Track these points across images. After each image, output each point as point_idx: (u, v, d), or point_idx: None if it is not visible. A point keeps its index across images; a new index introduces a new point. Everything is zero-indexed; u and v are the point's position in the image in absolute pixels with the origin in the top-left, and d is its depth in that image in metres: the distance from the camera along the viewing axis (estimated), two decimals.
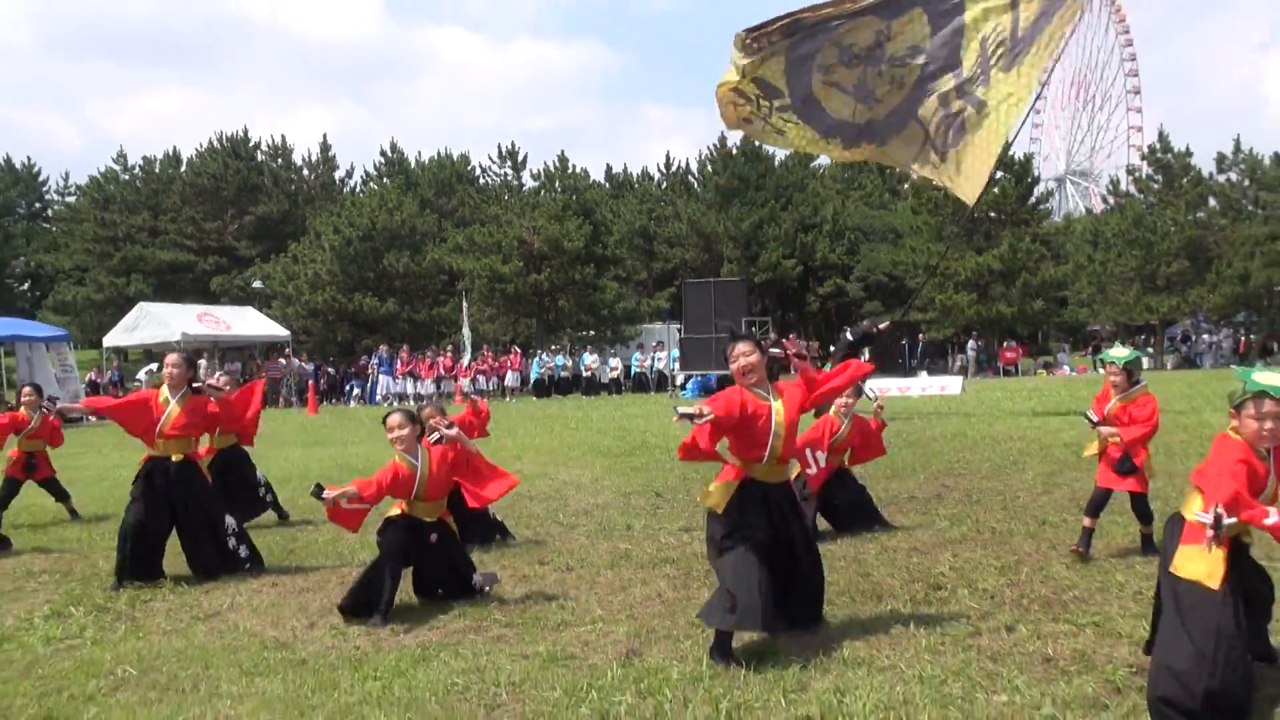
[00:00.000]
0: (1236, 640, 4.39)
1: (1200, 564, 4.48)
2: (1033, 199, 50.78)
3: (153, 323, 36.08)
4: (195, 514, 8.11)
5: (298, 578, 7.97)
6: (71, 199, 69.17)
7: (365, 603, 6.65)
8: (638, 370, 39.83)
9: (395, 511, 7.07)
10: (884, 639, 5.76)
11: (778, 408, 5.88)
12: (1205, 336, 43.15)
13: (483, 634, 6.20)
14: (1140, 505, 7.72)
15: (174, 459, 8.12)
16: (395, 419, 7.15)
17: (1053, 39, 12.16)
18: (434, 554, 7.08)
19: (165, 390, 8.28)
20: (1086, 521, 7.75)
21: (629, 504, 10.99)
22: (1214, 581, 4.43)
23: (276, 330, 40.01)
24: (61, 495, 11.53)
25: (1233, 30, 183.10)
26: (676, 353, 35.86)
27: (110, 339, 38.19)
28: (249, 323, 39.49)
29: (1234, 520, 4.27)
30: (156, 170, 65.11)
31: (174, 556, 8.18)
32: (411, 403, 33.41)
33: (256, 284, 48.07)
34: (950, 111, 12.62)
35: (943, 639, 5.71)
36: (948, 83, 12.53)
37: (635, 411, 26.10)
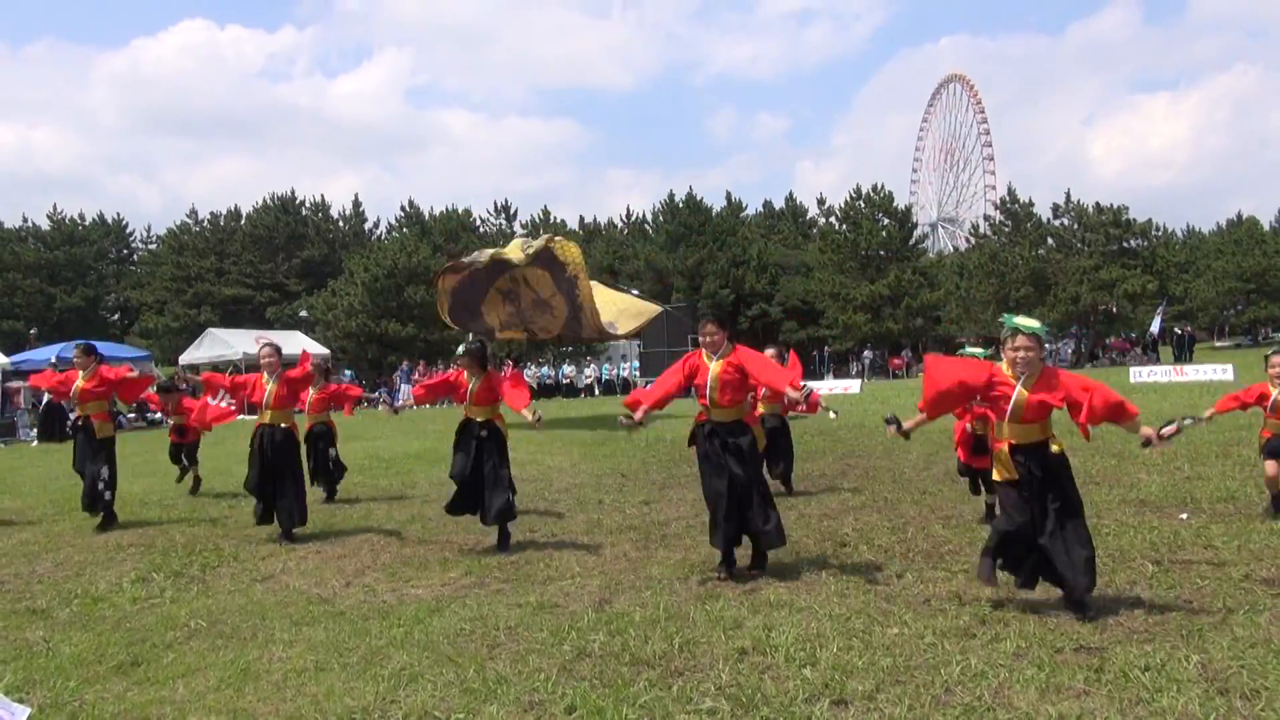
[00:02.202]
0: (1011, 514, 5.05)
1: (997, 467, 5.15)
2: (912, 240, 51.31)
3: (218, 344, 35.80)
4: (287, 471, 8.24)
5: (336, 546, 7.86)
6: (153, 246, 67.86)
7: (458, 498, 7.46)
8: (607, 377, 39.84)
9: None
10: (801, 586, 5.76)
11: (714, 367, 6.15)
12: (1048, 345, 43.65)
13: (485, 588, 6.13)
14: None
15: (281, 426, 8.32)
16: (464, 350, 7.74)
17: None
18: (479, 448, 7.42)
19: (265, 374, 8.47)
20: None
21: (600, 483, 10.93)
22: (999, 476, 5.13)
23: (319, 349, 39.73)
24: (193, 461, 11.80)
25: (1063, 109, 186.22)
26: (637, 363, 35.90)
27: (184, 358, 37.72)
28: (297, 344, 38.94)
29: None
30: (221, 223, 64.22)
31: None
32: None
33: (303, 313, 47.59)
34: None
35: (847, 585, 5.72)
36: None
37: (605, 410, 26.01)
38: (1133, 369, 28.39)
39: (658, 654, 4.57)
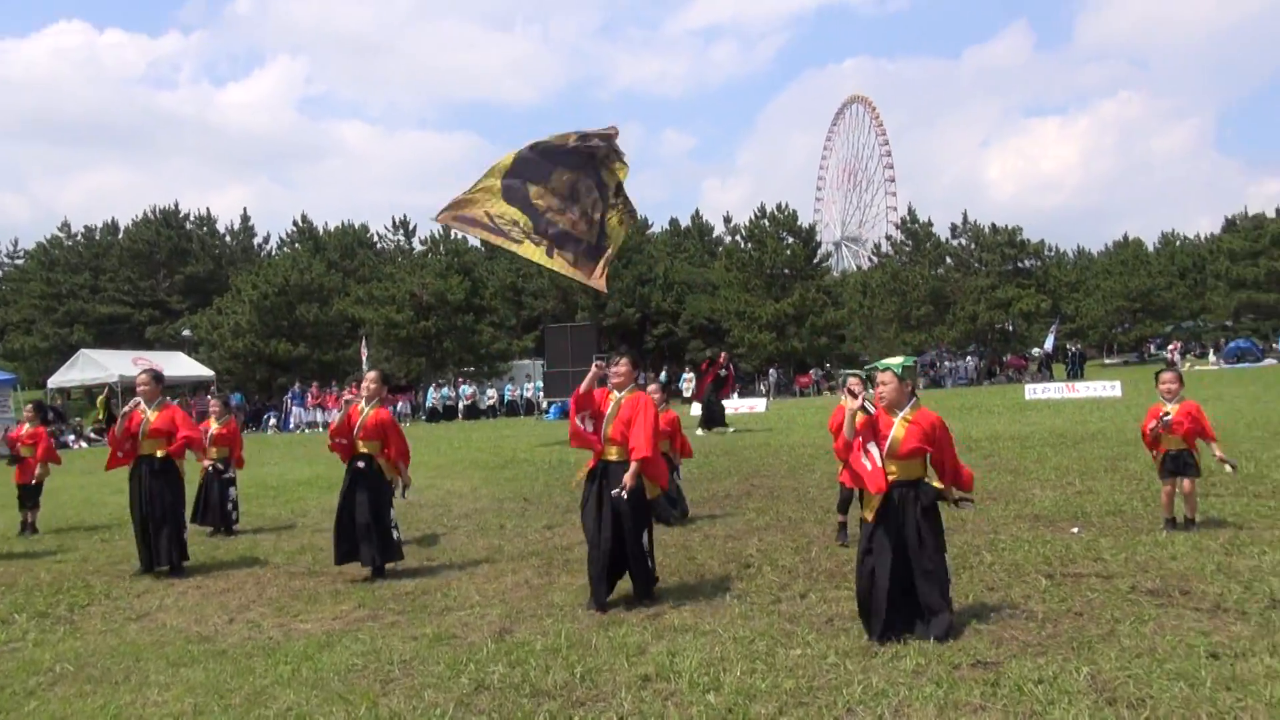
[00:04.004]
0: (867, 559, 5.07)
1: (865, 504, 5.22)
2: (816, 259, 52.50)
3: (92, 366, 34.26)
4: (160, 504, 7.91)
5: (219, 579, 7.58)
6: (20, 261, 64.58)
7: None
8: (510, 398, 39.53)
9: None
10: (706, 608, 5.80)
11: (615, 400, 6.17)
12: (947, 363, 45.19)
13: (378, 621, 5.99)
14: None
15: (158, 455, 7.98)
16: (372, 374, 7.66)
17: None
18: (360, 483, 7.30)
19: (143, 404, 8.10)
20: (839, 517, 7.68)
21: (502, 508, 10.82)
22: (869, 515, 5.16)
23: (203, 371, 38.46)
24: (34, 504, 10.82)
25: (962, 132, 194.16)
26: (541, 384, 35.66)
27: (54, 380, 35.96)
28: (179, 365, 37.71)
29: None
30: (97, 237, 61.53)
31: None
32: (320, 430, 32.37)
33: (185, 332, 45.98)
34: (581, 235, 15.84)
35: (751, 607, 5.79)
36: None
37: (508, 433, 25.81)
38: (1027, 386, 29.59)
39: (559, 684, 4.54)
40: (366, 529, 7.19)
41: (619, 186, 16.91)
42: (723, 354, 22.73)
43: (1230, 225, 62.04)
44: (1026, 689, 4.13)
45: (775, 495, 10.58)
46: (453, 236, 58.45)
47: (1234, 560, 6.21)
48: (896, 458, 5.13)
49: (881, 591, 4.97)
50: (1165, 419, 7.34)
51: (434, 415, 36.97)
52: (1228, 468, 7.37)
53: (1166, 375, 7.55)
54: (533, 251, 16.42)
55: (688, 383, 40.75)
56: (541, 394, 34.97)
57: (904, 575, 5.02)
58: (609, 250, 16.74)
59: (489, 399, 39.23)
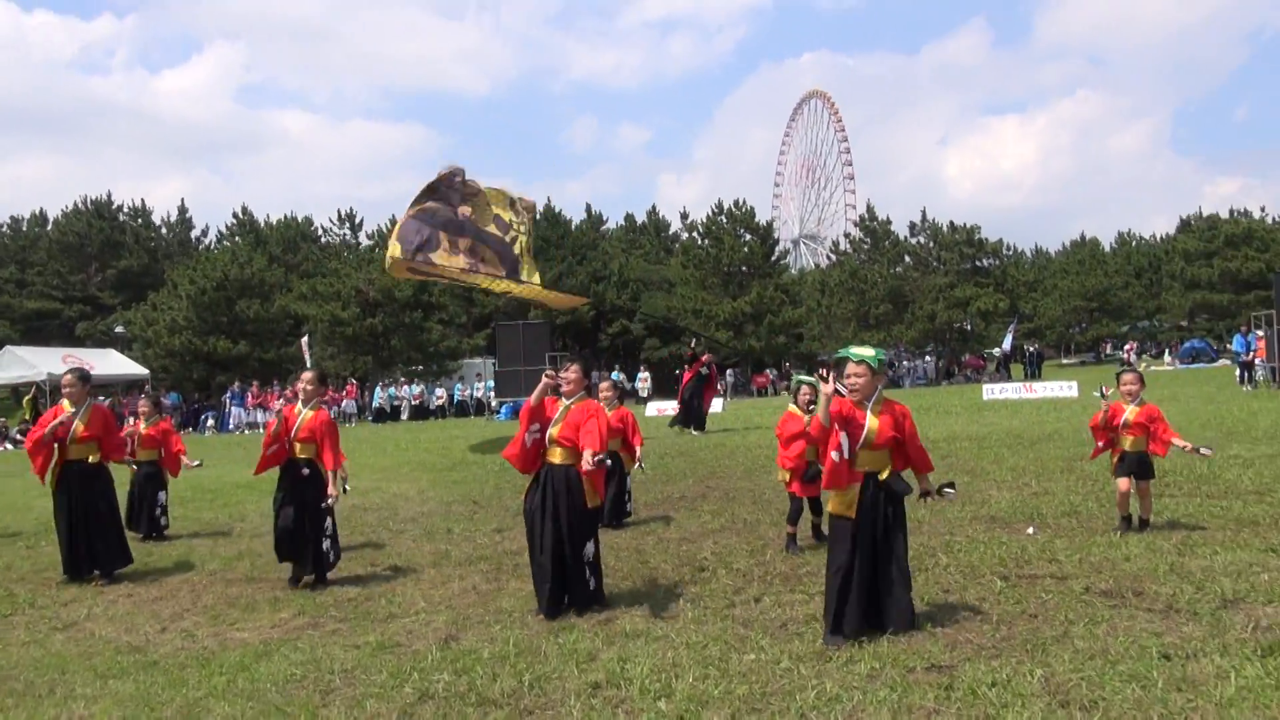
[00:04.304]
0: (846, 555, 5.10)
1: (837, 501, 5.18)
2: (774, 256, 52.83)
3: (18, 364, 33.31)
4: (101, 507, 7.81)
5: (151, 587, 7.42)
6: None
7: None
8: (460, 398, 39.26)
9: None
10: (658, 613, 5.80)
11: (565, 405, 6.13)
12: (905, 363, 45.74)
13: (319, 629, 5.91)
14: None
15: (90, 460, 7.84)
16: (308, 375, 7.48)
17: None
18: (301, 489, 7.16)
19: (67, 405, 7.87)
20: (790, 529, 7.63)
21: (450, 511, 10.73)
22: (850, 512, 5.14)
23: (137, 369, 37.62)
24: None
25: (920, 130, 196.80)
26: (492, 383, 35.46)
27: None
28: (111, 363, 36.88)
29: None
30: (24, 229, 60.00)
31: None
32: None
33: (118, 329, 44.92)
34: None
35: (704, 611, 5.80)
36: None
37: (458, 433, 25.62)
38: (985, 386, 30.06)
39: (506, 692, 4.51)
40: (305, 537, 7.09)
41: (500, 215, 17.78)
42: (706, 353, 22.33)
43: (1185, 225, 63.66)
44: (981, 692, 4.19)
45: (731, 497, 10.62)
46: None
47: (1186, 561, 6.35)
48: (871, 448, 5.19)
49: (857, 588, 5.04)
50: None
51: (380, 415, 36.64)
52: (1204, 451, 7.54)
53: (1128, 376, 7.73)
54: (486, 286, 17.27)
55: (643, 382, 40.89)
56: (493, 394, 34.84)
57: (872, 570, 5.10)
58: (525, 275, 17.63)
59: (438, 399, 38.92)
